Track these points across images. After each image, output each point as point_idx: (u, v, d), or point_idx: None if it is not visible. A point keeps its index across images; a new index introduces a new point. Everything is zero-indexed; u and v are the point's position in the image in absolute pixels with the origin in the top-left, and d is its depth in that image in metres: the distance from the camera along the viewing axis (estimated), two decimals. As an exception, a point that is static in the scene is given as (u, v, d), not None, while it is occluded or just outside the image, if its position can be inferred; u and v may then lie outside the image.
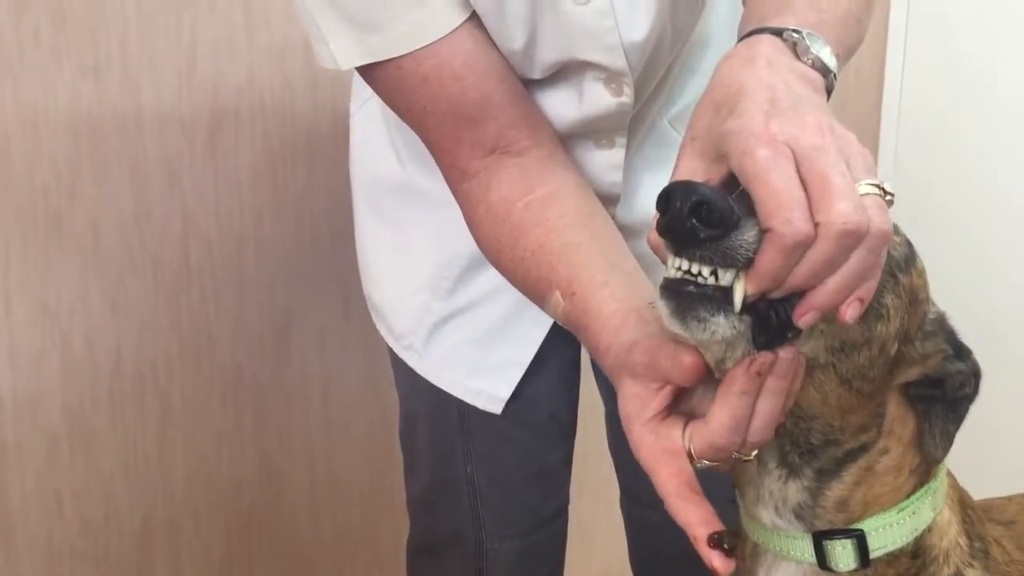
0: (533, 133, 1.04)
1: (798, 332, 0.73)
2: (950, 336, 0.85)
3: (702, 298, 0.72)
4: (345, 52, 1.01)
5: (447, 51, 0.99)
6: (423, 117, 1.02)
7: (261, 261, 1.75)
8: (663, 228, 0.72)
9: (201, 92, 1.66)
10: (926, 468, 0.85)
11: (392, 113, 1.12)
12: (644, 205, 1.16)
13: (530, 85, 1.08)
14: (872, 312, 0.77)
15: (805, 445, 0.82)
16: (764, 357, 0.73)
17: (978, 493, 1.01)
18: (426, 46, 0.98)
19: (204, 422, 1.76)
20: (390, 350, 1.29)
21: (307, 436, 1.86)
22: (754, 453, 0.79)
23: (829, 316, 0.72)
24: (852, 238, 0.67)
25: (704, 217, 0.68)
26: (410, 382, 1.28)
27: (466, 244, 1.11)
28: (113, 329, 1.67)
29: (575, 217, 1.00)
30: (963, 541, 0.88)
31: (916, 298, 0.82)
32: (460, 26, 0.98)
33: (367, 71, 1.03)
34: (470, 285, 1.21)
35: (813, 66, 0.79)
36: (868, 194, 0.69)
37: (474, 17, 0.99)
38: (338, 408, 1.87)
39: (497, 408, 1.23)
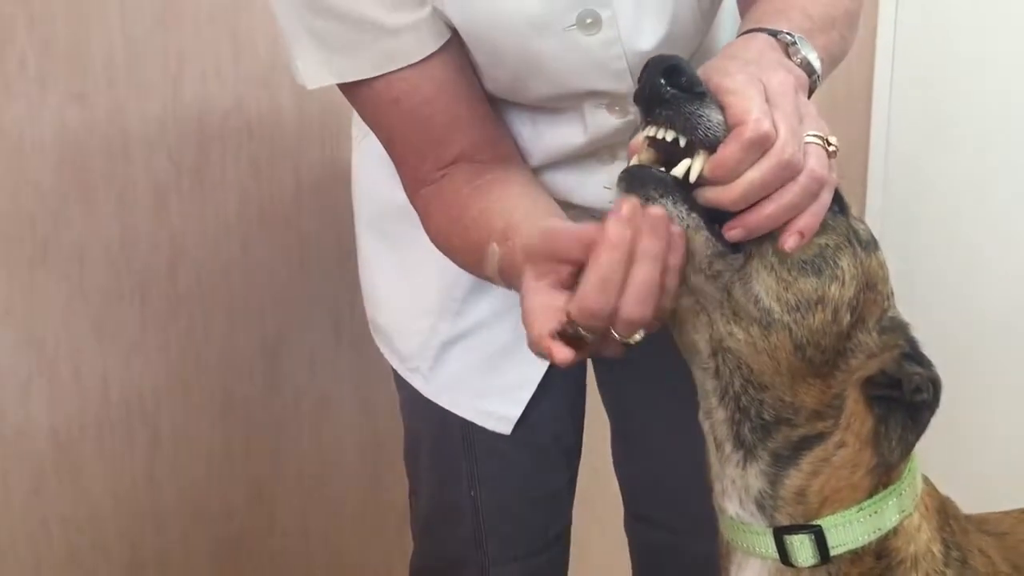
0: (494, 148, 1.08)
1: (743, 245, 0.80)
2: (912, 343, 0.88)
3: (654, 179, 0.78)
4: (312, 71, 1.04)
5: (418, 77, 1.02)
6: (391, 133, 1.07)
7: (250, 286, 1.75)
8: (637, 94, 0.79)
9: (188, 118, 1.65)
10: (884, 470, 0.87)
11: None
12: None
13: (536, 120, 1.11)
14: (827, 271, 0.82)
15: (757, 420, 0.85)
16: (633, 201, 0.77)
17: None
18: (396, 71, 1.01)
19: (193, 448, 1.75)
20: (394, 372, 1.30)
21: (298, 460, 1.85)
22: (638, 337, 0.81)
23: (782, 254, 0.80)
24: (787, 170, 0.76)
25: (675, 81, 0.77)
26: (414, 404, 1.28)
27: None
28: (100, 356, 1.65)
29: (520, 189, 1.05)
30: (937, 548, 0.89)
31: (873, 283, 0.86)
32: (432, 55, 1.01)
33: (344, 85, 1.06)
34: (476, 307, 1.22)
35: (801, 65, 0.86)
36: (811, 143, 0.78)
37: (448, 45, 1.02)
38: (329, 432, 1.87)
39: (506, 429, 1.24)
